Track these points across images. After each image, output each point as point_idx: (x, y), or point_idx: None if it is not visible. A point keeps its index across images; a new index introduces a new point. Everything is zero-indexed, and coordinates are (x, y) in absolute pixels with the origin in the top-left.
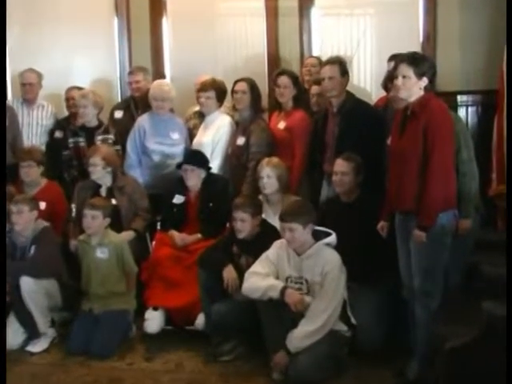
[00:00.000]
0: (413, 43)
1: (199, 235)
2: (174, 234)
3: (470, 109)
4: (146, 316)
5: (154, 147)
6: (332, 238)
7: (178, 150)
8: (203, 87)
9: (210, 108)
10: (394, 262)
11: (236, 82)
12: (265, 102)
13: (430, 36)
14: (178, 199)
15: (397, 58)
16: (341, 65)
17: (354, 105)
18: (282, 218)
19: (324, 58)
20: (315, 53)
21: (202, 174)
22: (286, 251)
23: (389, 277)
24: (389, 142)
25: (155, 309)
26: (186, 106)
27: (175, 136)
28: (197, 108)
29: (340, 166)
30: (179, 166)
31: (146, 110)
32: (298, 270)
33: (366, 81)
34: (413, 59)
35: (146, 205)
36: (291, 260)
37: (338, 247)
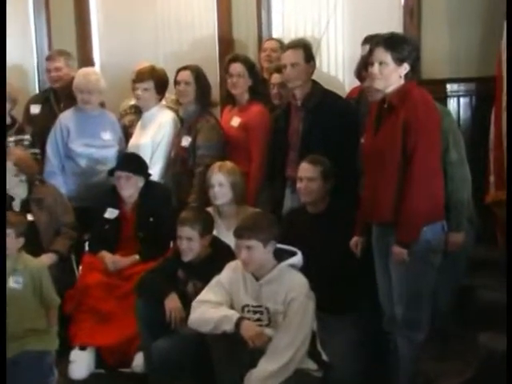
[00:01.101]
0: (392, 21)
1: (136, 257)
2: (106, 256)
3: (461, 100)
4: (72, 357)
5: (81, 150)
6: (297, 259)
7: (111, 154)
8: (140, 77)
9: (148, 102)
10: (372, 285)
11: (179, 71)
12: (215, 94)
13: (414, 12)
14: (110, 213)
15: (372, 41)
16: (306, 49)
17: (321, 97)
18: (238, 234)
19: (286, 41)
20: (276, 34)
21: (140, 182)
22: (241, 275)
23: (366, 304)
24: (363, 140)
25: (82, 348)
26: (119, 99)
27: (107, 136)
28: (133, 101)
29: (306, 170)
30: (111, 172)
31: (70, 104)
32: (256, 298)
33: (337, 68)
34: (391, 41)
35: (70, 220)
36: (248, 285)
37: (304, 269)
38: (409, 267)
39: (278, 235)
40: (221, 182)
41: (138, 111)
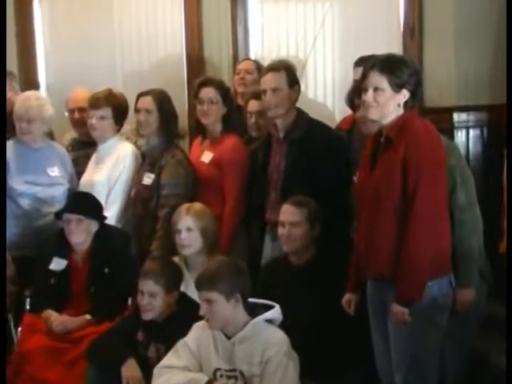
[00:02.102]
0: (390, 40)
1: (88, 317)
2: (51, 315)
3: (471, 132)
4: None
5: (23, 189)
6: (275, 313)
7: (59, 193)
8: (95, 103)
9: (104, 132)
10: (367, 349)
11: (139, 97)
12: (183, 123)
13: (414, 29)
14: (57, 264)
15: (366, 63)
16: (289, 71)
17: (307, 128)
18: (197, 286)
19: (266, 62)
20: (254, 54)
21: (93, 226)
22: (211, 335)
23: (359, 370)
24: (356, 179)
25: None
26: (71, 127)
27: (54, 172)
28: (75, 134)
29: (288, 213)
30: (59, 215)
31: (11, 134)
32: (229, 360)
33: (326, 94)
34: (388, 64)
35: (8, 273)
36: (219, 346)
37: (286, 328)
38: (410, 329)
39: (251, 287)
40: (189, 226)
41: (82, 146)
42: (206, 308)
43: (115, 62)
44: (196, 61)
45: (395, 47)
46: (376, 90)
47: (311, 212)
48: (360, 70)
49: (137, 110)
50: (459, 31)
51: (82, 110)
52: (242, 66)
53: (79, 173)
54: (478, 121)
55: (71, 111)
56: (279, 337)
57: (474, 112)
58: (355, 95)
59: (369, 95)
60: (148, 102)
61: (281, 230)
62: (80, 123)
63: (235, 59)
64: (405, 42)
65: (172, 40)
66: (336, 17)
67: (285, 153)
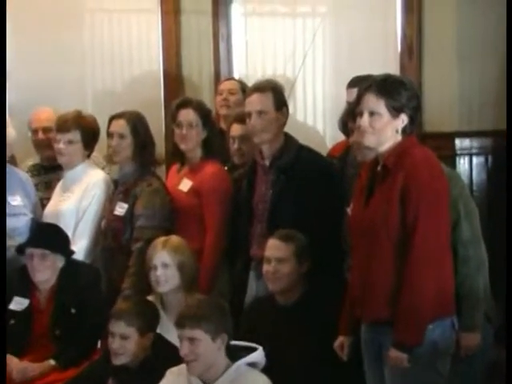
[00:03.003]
0: (387, 59)
1: (52, 362)
2: (11, 361)
3: (474, 159)
4: None
5: None
6: (258, 356)
7: (21, 224)
8: (62, 126)
9: (72, 158)
10: None
11: (111, 120)
12: (160, 149)
13: (413, 47)
14: (17, 304)
15: (361, 84)
16: (276, 92)
17: (296, 155)
18: (179, 323)
19: (250, 82)
20: (238, 73)
21: (59, 262)
22: (187, 382)
23: None
24: (350, 211)
25: None
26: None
27: (15, 201)
28: (34, 160)
29: (275, 249)
30: (21, 249)
31: None
32: None
33: (316, 117)
34: (385, 86)
35: None
36: None
37: (270, 373)
38: (409, 376)
39: (232, 329)
40: (165, 262)
41: (43, 172)
42: (188, 348)
43: (85, 81)
44: (174, 80)
45: (392, 66)
46: (372, 114)
47: (299, 247)
48: (354, 91)
49: (109, 134)
50: (462, 50)
51: (46, 130)
52: (224, 85)
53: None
54: (482, 147)
55: (34, 132)
56: (263, 382)
57: (478, 138)
58: (349, 119)
59: (364, 120)
60: (121, 126)
61: (266, 267)
62: (44, 145)
63: (217, 78)
64: (402, 60)
65: (148, 57)
66: (328, 33)
67: (271, 182)
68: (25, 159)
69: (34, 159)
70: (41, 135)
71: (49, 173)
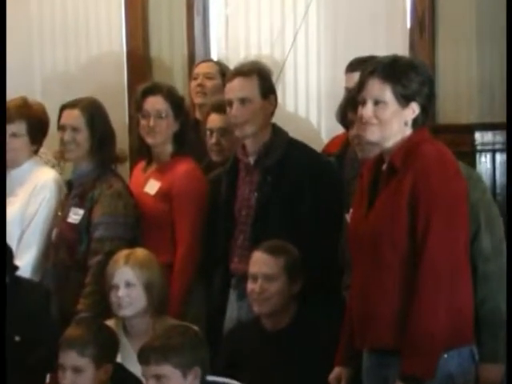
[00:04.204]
0: (393, 37)
1: None
2: None
3: (498, 157)
4: None
5: None
6: None
7: None
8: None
9: (16, 154)
10: None
11: (63, 109)
12: (122, 144)
13: (425, 22)
14: None
15: (363, 67)
16: (262, 77)
17: (285, 151)
18: (144, 358)
19: (232, 65)
20: (216, 54)
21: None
22: None
23: None
24: (349, 218)
25: None
26: None
27: None
28: None
29: (261, 263)
30: None
31: None
32: None
33: (309, 106)
34: (392, 70)
35: None
36: None
37: None
38: None
39: (209, 361)
40: (129, 280)
41: None
42: None
43: (32, 62)
44: (140, 61)
45: (400, 46)
46: (377, 103)
47: (291, 262)
48: (355, 75)
49: (60, 127)
50: (482, 26)
51: None
52: (199, 69)
53: None
54: (507, 143)
55: None
56: None
57: (502, 131)
58: (349, 109)
59: (367, 109)
60: (75, 117)
61: (251, 285)
62: None
63: (191, 60)
64: (412, 39)
65: (108, 34)
66: (323, 6)
67: (256, 183)
68: None
69: None
70: None
71: None
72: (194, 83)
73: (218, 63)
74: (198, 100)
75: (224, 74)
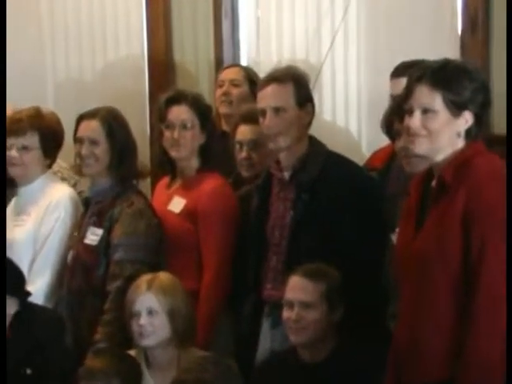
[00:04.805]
0: (442, 38)
1: None
2: None
3: None
4: None
5: None
6: None
7: None
8: (15, 127)
9: (28, 169)
10: None
11: (81, 120)
12: (143, 157)
13: (478, 21)
14: None
15: (410, 73)
16: (298, 84)
17: (323, 166)
18: None
19: (263, 70)
20: (246, 58)
21: (11, 306)
22: None
23: None
24: (395, 239)
25: None
26: None
27: None
28: None
29: (298, 289)
30: None
31: None
32: None
33: (349, 115)
34: (443, 75)
35: None
36: None
37: None
38: None
39: None
40: (151, 307)
41: None
42: None
43: (44, 68)
44: (162, 67)
45: (449, 48)
46: (425, 112)
47: (331, 288)
48: (401, 81)
49: (78, 139)
50: None
51: None
52: (225, 75)
53: None
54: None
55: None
56: None
57: None
58: (394, 118)
59: (415, 119)
60: (94, 129)
61: (287, 313)
62: None
63: (218, 66)
64: (463, 40)
65: (127, 36)
66: (363, 5)
67: (291, 200)
68: None
69: None
70: None
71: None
72: (218, 91)
73: (245, 68)
74: (223, 109)
75: (252, 80)
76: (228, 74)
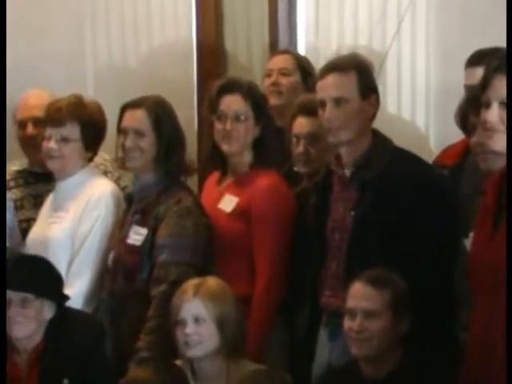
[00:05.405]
0: None
1: None
2: None
3: None
4: None
5: None
6: None
7: None
8: (54, 117)
9: (67, 163)
10: None
11: (125, 110)
12: (191, 152)
13: None
14: None
15: (488, 62)
16: (362, 73)
17: (389, 163)
18: None
19: (321, 57)
20: (304, 44)
21: (48, 311)
22: None
23: None
24: (468, 244)
25: None
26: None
27: None
28: (21, 165)
29: (361, 297)
30: None
31: None
32: None
33: (416, 107)
34: None
35: None
36: None
37: None
38: None
39: None
40: (198, 315)
41: (33, 181)
42: None
43: (84, 55)
44: (212, 53)
45: None
46: (504, 105)
47: (397, 296)
48: (477, 71)
49: (122, 130)
50: None
51: (38, 122)
52: (273, 63)
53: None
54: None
55: (21, 124)
56: None
57: None
58: (470, 110)
59: (492, 113)
60: (140, 119)
61: (349, 323)
62: (34, 143)
63: (273, 52)
64: None
65: (174, 20)
66: None
67: (353, 200)
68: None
69: (20, 163)
70: (30, 129)
71: (40, 182)
72: (267, 81)
73: (296, 56)
74: (272, 101)
75: (303, 68)
76: (277, 63)
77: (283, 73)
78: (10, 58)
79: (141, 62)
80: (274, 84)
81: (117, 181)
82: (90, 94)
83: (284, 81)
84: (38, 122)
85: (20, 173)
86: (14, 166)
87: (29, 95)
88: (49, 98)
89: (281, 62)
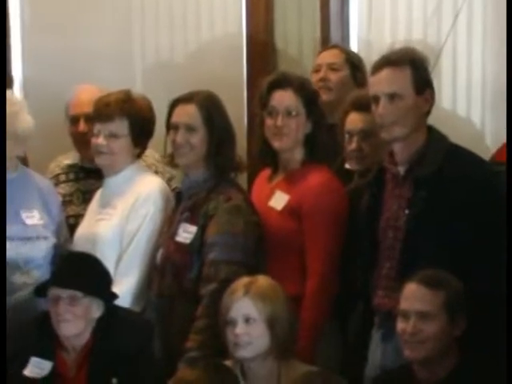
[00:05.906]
0: None
1: None
2: None
3: None
4: None
5: None
6: None
7: (40, 253)
8: (102, 112)
9: (115, 159)
10: None
11: (175, 105)
12: (241, 149)
13: None
14: (36, 368)
15: None
16: (417, 68)
17: (444, 160)
18: None
19: (374, 51)
20: (356, 37)
21: (96, 309)
22: None
23: None
24: None
25: None
26: (56, 148)
27: (33, 219)
28: (71, 159)
29: (416, 299)
30: (41, 290)
31: None
32: None
33: (471, 103)
34: None
35: None
36: None
37: None
38: None
39: None
40: (249, 314)
41: (83, 177)
42: None
43: (132, 49)
44: (262, 47)
45: None
46: None
47: (453, 297)
48: None
49: (172, 126)
50: None
51: (90, 118)
52: (322, 58)
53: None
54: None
55: (73, 120)
56: None
57: None
58: None
59: None
60: (191, 114)
61: (402, 325)
62: (87, 140)
63: (325, 46)
64: None
65: (224, 14)
66: None
67: (407, 199)
68: (49, 159)
69: (73, 156)
70: (82, 126)
71: (90, 178)
72: (315, 76)
73: (346, 51)
74: (324, 96)
75: (353, 63)
76: (325, 58)
77: (332, 68)
78: (52, 51)
79: (189, 58)
80: (323, 79)
81: (168, 182)
82: (137, 90)
83: (333, 76)
84: (90, 119)
85: (71, 167)
86: (66, 159)
87: (80, 91)
88: (100, 94)
89: (330, 56)
